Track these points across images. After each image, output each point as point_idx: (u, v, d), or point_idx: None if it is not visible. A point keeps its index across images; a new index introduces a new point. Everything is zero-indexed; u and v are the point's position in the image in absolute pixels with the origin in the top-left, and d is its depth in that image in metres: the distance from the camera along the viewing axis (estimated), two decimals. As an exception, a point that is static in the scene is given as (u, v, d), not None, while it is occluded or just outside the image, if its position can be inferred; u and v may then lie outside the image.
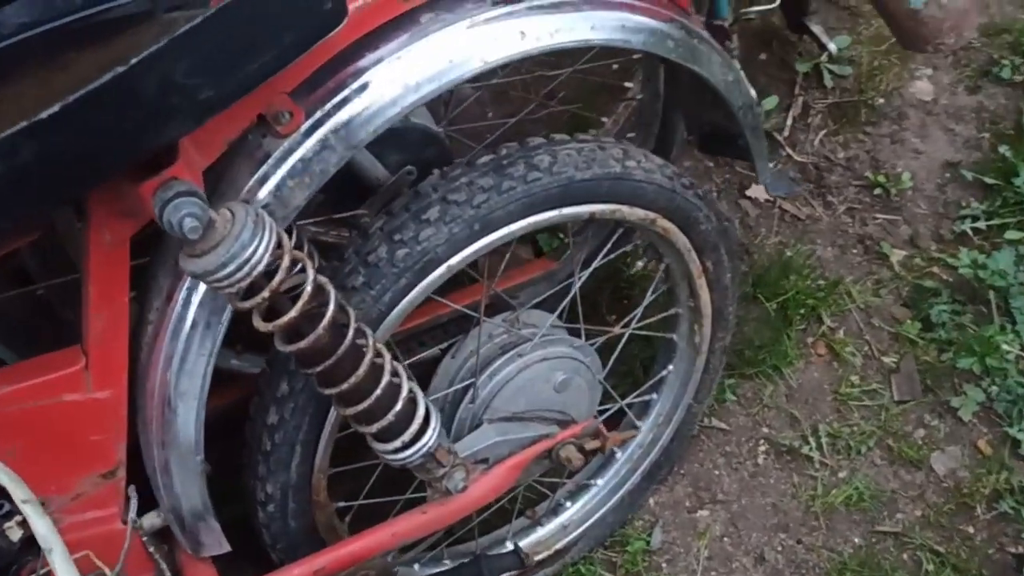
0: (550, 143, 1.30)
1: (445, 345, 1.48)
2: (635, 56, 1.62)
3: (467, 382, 1.41)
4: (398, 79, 1.06)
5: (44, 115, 0.79)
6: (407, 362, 1.40)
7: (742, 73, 1.37)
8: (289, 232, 1.28)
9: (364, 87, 1.05)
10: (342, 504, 1.43)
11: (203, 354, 1.09)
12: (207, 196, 1.04)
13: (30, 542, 1.16)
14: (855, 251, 2.05)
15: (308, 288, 1.02)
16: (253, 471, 1.28)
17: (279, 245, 0.99)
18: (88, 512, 1.16)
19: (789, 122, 2.14)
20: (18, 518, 1.12)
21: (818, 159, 2.13)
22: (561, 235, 2.03)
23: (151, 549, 1.21)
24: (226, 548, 1.23)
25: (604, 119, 1.95)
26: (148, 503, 1.22)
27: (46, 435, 1.09)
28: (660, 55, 1.25)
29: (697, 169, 2.08)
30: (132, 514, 1.17)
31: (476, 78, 1.12)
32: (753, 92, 1.50)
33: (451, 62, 1.08)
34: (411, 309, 1.24)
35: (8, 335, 1.42)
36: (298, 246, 1.29)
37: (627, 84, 1.95)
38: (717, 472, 1.83)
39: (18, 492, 1.02)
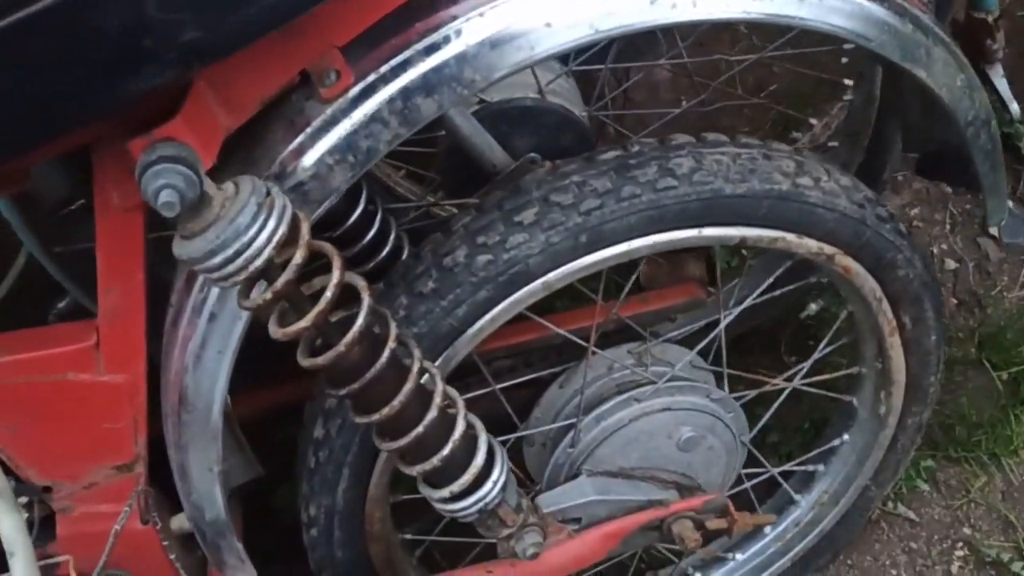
0: (698, 143, 1.02)
1: (559, 369, 1.24)
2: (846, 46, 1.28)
3: (570, 420, 1.17)
4: (477, 43, 0.83)
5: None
6: (506, 384, 1.19)
7: (978, 79, 1.02)
8: (369, 212, 1.10)
9: (433, 48, 0.83)
10: (410, 537, 1.23)
11: (222, 351, 0.91)
12: (240, 165, 0.87)
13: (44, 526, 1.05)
14: None
15: (329, 293, 0.81)
16: (299, 486, 1.10)
17: (293, 235, 0.79)
18: (102, 504, 1.03)
19: (1062, 147, 1.70)
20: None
21: (1096, 198, 1.68)
22: (745, 251, 1.72)
23: (172, 556, 1.07)
24: (250, 574, 1.07)
25: (813, 121, 1.62)
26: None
27: (52, 415, 0.96)
28: (867, 48, 0.93)
29: (929, 193, 1.69)
30: (144, 513, 1.02)
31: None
32: (999, 100, 1.15)
33: (549, 26, 0.83)
34: (493, 328, 1.01)
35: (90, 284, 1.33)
36: (381, 230, 1.11)
37: (847, 81, 1.60)
38: (895, 572, 1.47)
39: (-10, 480, 0.90)
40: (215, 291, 0.89)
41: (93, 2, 0.64)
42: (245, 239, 0.75)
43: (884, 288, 1.13)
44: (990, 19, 1.52)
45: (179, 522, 1.08)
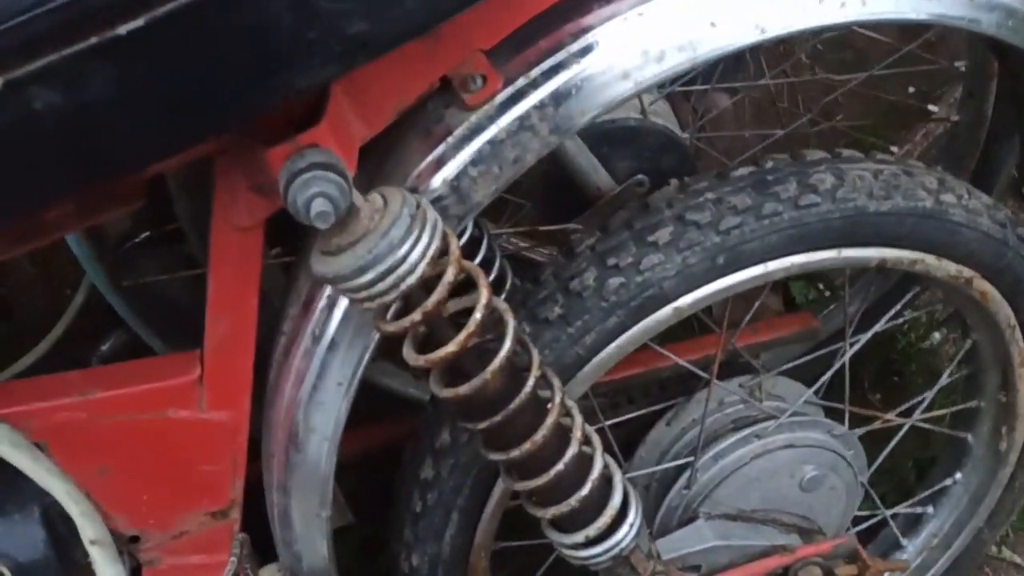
0: (835, 159, 0.96)
1: (661, 407, 1.16)
2: (956, 64, 1.23)
3: (684, 460, 1.09)
4: (635, 43, 0.76)
5: (123, 31, 0.55)
6: (614, 420, 1.11)
7: None
8: (474, 237, 1.03)
9: (587, 50, 0.76)
10: (508, 587, 1.14)
11: (342, 383, 0.84)
12: (368, 179, 0.80)
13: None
14: None
15: (478, 315, 0.73)
16: (399, 534, 1.02)
17: (444, 251, 0.71)
18: (193, 556, 0.94)
19: None
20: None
21: None
22: (821, 285, 1.66)
23: (264, 611, 0.98)
24: (351, 629, 0.98)
25: (894, 148, 1.57)
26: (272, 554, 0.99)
27: (146, 457, 0.88)
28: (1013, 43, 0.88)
29: None
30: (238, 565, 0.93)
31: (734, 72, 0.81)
32: None
33: (713, 26, 0.76)
34: (620, 357, 0.94)
35: (166, 324, 1.25)
36: (486, 257, 1.04)
37: (931, 107, 1.56)
38: (1003, 621, 1.38)
39: (89, 529, 0.81)
40: (337, 316, 0.82)
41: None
42: (400, 254, 0.68)
43: (1019, 315, 1.07)
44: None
45: (269, 573, 0.99)
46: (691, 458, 1.07)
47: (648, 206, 0.94)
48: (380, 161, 0.81)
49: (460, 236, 1.03)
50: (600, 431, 1.07)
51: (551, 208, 1.19)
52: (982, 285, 1.02)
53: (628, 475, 1.12)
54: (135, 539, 0.92)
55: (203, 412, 0.86)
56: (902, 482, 1.41)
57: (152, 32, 0.57)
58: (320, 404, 0.85)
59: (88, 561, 0.86)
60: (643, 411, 1.14)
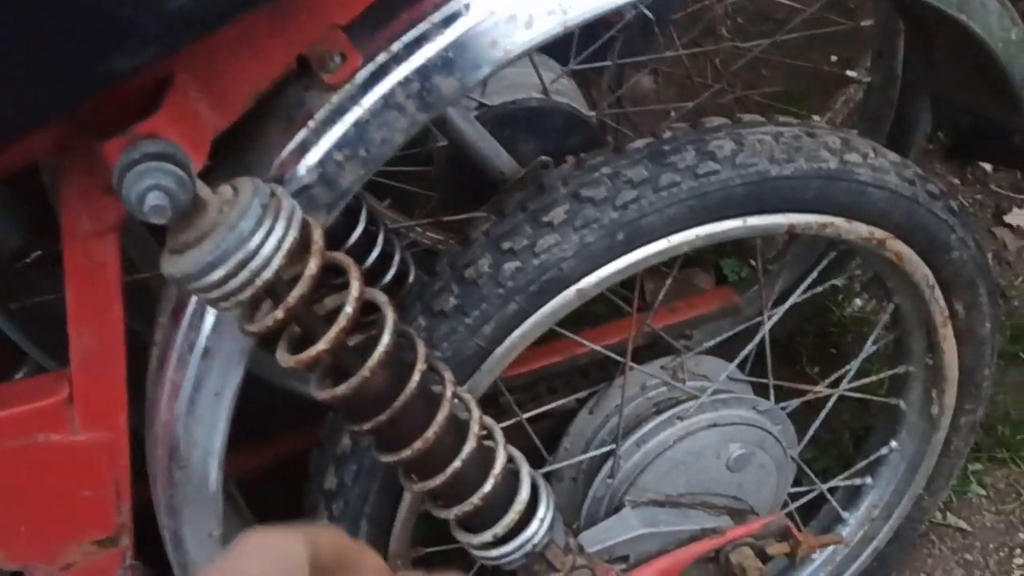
0: (735, 124, 0.92)
1: (584, 395, 1.12)
2: (864, 24, 1.20)
3: (607, 448, 1.05)
4: (503, 9, 0.72)
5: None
6: (533, 412, 1.07)
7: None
8: (370, 232, 0.98)
9: (452, 18, 0.72)
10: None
11: (220, 392, 0.78)
12: (230, 172, 0.74)
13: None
14: None
15: (348, 308, 0.69)
16: (310, 547, 0.96)
17: (305, 243, 0.66)
18: (84, 587, 0.88)
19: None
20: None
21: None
22: (753, 262, 1.63)
23: (168, 641, 0.92)
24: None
25: (816, 117, 1.54)
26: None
27: (20, 486, 0.82)
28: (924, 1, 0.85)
29: (939, 185, 1.61)
30: (135, 596, 0.87)
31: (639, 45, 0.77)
32: None
33: (582, -16, 0.72)
34: (525, 345, 0.89)
35: (62, 346, 1.19)
36: (384, 252, 0.99)
37: (850, 72, 1.53)
38: (952, 588, 1.36)
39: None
40: (209, 322, 0.76)
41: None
42: (250, 247, 0.63)
43: (937, 274, 1.04)
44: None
45: (172, 602, 0.94)
46: (613, 446, 1.03)
47: (543, 186, 0.89)
48: (243, 151, 0.75)
49: (352, 230, 0.99)
50: (518, 424, 1.04)
51: (458, 197, 1.14)
52: (896, 245, 0.99)
53: (554, 467, 1.08)
54: (18, 574, 0.86)
55: (76, 435, 0.80)
56: (842, 454, 1.38)
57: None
58: (199, 417, 0.79)
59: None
60: (564, 400, 1.10)
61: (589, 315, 1.11)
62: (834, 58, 1.74)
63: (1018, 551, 1.37)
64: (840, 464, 1.35)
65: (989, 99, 1.00)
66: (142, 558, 0.90)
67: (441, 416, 0.76)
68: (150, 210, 0.60)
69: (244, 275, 0.63)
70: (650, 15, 1.21)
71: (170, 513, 0.84)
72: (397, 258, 1.01)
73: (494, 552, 0.85)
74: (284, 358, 0.71)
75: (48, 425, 0.79)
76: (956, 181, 1.64)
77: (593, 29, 1.20)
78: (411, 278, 1.03)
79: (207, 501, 0.83)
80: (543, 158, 1.06)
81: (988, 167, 1.60)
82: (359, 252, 0.99)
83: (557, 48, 1.22)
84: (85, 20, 0.55)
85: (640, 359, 1.10)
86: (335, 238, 0.99)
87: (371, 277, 1.02)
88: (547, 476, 1.07)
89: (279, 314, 0.66)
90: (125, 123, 0.65)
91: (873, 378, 1.16)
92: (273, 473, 1.19)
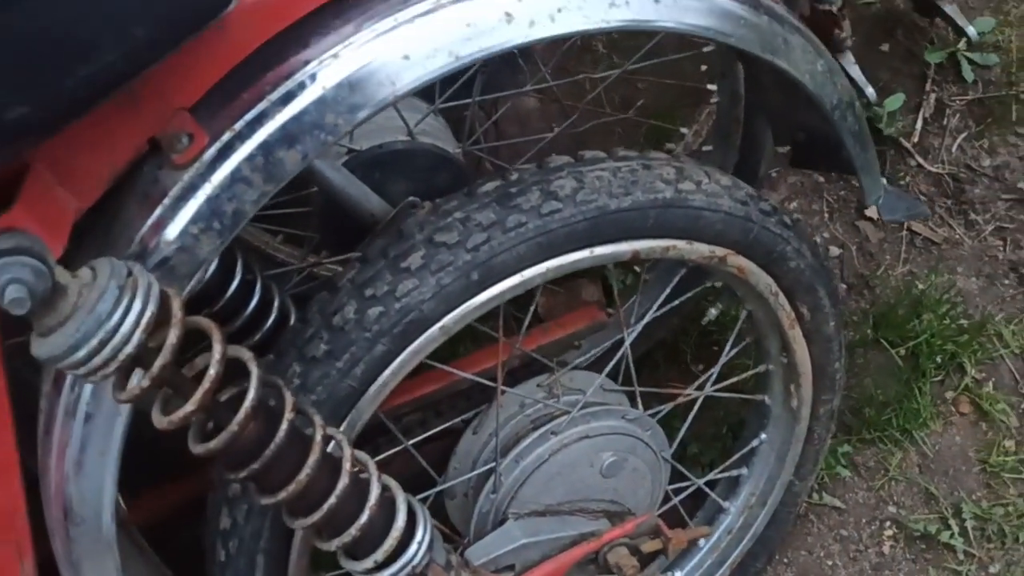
0: (576, 163, 1.00)
1: (470, 415, 1.19)
2: (705, 49, 1.29)
3: (489, 466, 1.12)
4: (335, 85, 0.79)
5: None
6: (420, 438, 1.14)
7: (836, 63, 1.04)
8: (247, 281, 1.04)
9: (290, 96, 0.78)
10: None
11: (104, 451, 0.84)
12: (96, 250, 0.80)
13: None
14: (1007, 281, 1.65)
15: (212, 371, 0.75)
16: (211, 584, 1.02)
17: (166, 314, 0.72)
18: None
19: (919, 125, 1.76)
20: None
21: (957, 168, 1.74)
22: (637, 268, 1.72)
23: None
24: None
25: (684, 130, 1.64)
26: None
27: (-79, 554, 0.86)
28: (717, 40, 0.93)
29: (804, 185, 1.72)
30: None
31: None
32: (855, 86, 1.17)
33: (408, 59, 0.79)
34: (396, 383, 0.96)
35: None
36: (263, 299, 1.05)
37: (710, 87, 1.63)
38: (831, 562, 1.47)
39: None
40: (88, 388, 0.82)
41: None
42: (109, 326, 0.69)
43: (779, 282, 1.13)
44: (834, 9, 1.57)
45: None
46: (493, 463, 1.10)
47: (402, 232, 0.96)
48: (106, 228, 0.81)
49: (230, 283, 1.04)
50: (404, 452, 1.11)
51: (336, 239, 1.20)
52: (737, 260, 1.08)
53: (445, 486, 1.15)
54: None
55: (-31, 499, 0.85)
56: (724, 447, 1.47)
57: None
58: (87, 475, 0.85)
59: None
60: (450, 423, 1.17)
61: (474, 335, 1.18)
62: (704, 67, 1.83)
63: (888, 523, 1.48)
64: (723, 456, 1.44)
65: (812, 119, 1.10)
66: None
67: (312, 459, 0.83)
68: (10, 303, 0.65)
69: (106, 352, 0.69)
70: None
71: (70, 567, 0.89)
72: (276, 304, 1.07)
73: (378, 576, 0.92)
74: (158, 419, 0.77)
75: (-60, 496, 0.84)
76: (821, 179, 1.75)
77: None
78: (292, 321, 1.09)
79: (104, 552, 0.88)
80: (411, 199, 1.12)
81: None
82: (238, 302, 1.05)
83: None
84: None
85: (519, 378, 1.18)
86: (214, 291, 1.05)
87: (253, 324, 1.08)
88: (440, 494, 1.15)
89: (145, 383, 0.72)
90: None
91: (736, 379, 1.25)
92: (184, 512, 1.25)
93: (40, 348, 0.70)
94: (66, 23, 0.61)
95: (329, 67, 0.79)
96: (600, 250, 0.99)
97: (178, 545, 1.16)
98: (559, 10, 0.82)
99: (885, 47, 1.83)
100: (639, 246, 1.01)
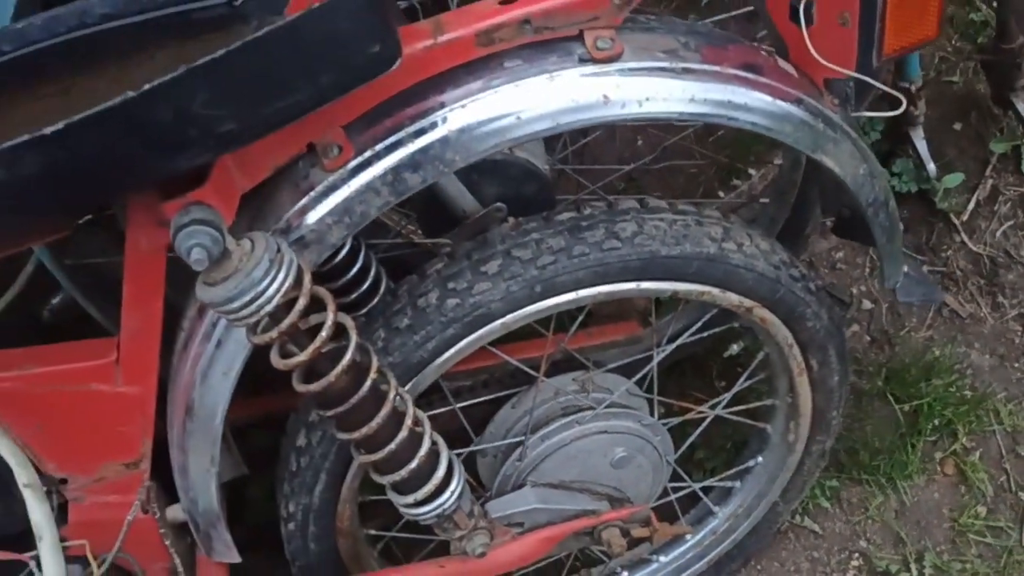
0: (641, 209, 1.19)
1: (511, 392, 1.40)
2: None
3: (519, 438, 1.34)
4: (459, 129, 0.99)
5: (48, 131, 0.77)
6: (467, 403, 1.35)
7: (879, 166, 1.21)
8: (354, 249, 1.26)
9: (421, 132, 0.99)
10: (373, 532, 1.39)
11: (227, 372, 1.07)
12: (250, 217, 1.02)
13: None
14: (1017, 364, 1.80)
15: (324, 333, 0.97)
16: (280, 486, 1.26)
17: (298, 283, 0.94)
18: (110, 496, 1.18)
19: (972, 205, 1.90)
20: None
21: (997, 252, 1.88)
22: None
23: (167, 541, 1.22)
24: (235, 559, 1.23)
25: (752, 171, 1.80)
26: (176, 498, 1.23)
27: (73, 418, 1.11)
28: (773, 138, 1.11)
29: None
30: (145, 504, 1.17)
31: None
32: (919, 159, 1.34)
33: (519, 118, 0.99)
34: (457, 359, 1.18)
35: (100, 298, 1.47)
36: (363, 266, 1.27)
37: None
38: (798, 577, 1.66)
39: (22, 475, 1.04)
40: (223, 322, 1.05)
41: (150, 101, 0.79)
42: (259, 289, 0.91)
43: (795, 336, 1.31)
44: (913, 88, 1.72)
45: (174, 512, 1.23)
46: (523, 437, 1.32)
47: (487, 240, 1.17)
48: (261, 204, 1.03)
49: (338, 252, 1.26)
50: (451, 411, 1.32)
51: (430, 221, 1.41)
52: (761, 312, 1.27)
53: (480, 447, 1.37)
54: (64, 481, 1.16)
55: (118, 387, 1.09)
56: (726, 460, 1.67)
57: (70, 131, 0.78)
58: (210, 387, 1.08)
59: (24, 496, 1.10)
60: (495, 395, 1.39)
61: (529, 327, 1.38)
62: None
63: (856, 555, 1.67)
64: (724, 466, 1.64)
65: (854, 204, 1.27)
66: (156, 479, 1.20)
67: (384, 411, 1.05)
68: (194, 261, 0.88)
69: (252, 308, 0.91)
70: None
71: (180, 450, 1.13)
72: (372, 272, 1.29)
73: (414, 511, 1.15)
74: (276, 360, 0.99)
75: (99, 378, 1.08)
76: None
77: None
78: (382, 287, 1.31)
79: (209, 445, 1.12)
80: (498, 204, 1.32)
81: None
82: (345, 264, 1.27)
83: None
84: (164, 137, 0.83)
85: (559, 369, 1.38)
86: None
87: (352, 285, 1.30)
88: (474, 452, 1.37)
89: (274, 334, 0.94)
90: (179, 184, 0.93)
91: (746, 406, 1.45)
92: (260, 423, 1.48)
93: (204, 293, 0.92)
94: (274, 70, 0.83)
95: (457, 114, 0.99)
96: (646, 285, 1.19)
97: (251, 447, 1.41)
98: (647, 99, 1.01)
99: (958, 126, 1.96)
100: (679, 287, 1.20)
